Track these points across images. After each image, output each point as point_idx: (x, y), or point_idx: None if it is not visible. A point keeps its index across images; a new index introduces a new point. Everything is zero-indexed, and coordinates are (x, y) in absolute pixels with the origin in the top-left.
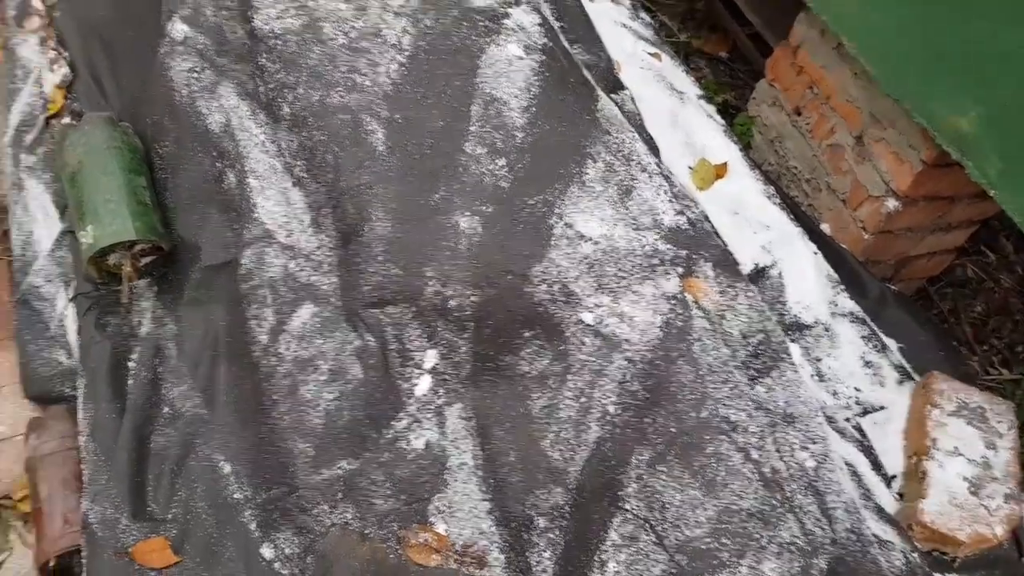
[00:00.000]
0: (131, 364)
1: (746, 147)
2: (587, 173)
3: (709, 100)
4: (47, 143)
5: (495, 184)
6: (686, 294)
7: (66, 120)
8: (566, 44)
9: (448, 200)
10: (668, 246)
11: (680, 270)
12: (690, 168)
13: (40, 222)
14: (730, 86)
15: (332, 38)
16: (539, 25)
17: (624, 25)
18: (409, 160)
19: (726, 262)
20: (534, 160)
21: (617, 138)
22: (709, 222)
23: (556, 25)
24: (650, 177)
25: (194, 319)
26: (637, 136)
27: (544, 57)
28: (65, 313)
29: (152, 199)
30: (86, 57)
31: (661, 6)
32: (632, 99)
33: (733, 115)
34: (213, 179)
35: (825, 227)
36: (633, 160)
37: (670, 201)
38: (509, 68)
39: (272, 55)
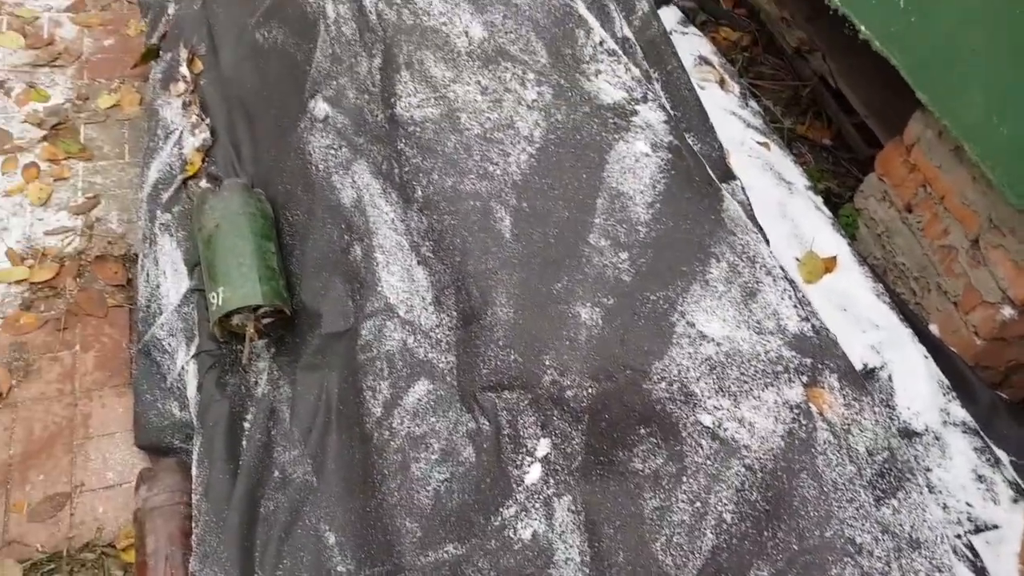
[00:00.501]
0: (246, 425)
1: (851, 238)
2: (710, 272)
3: (815, 189)
4: (183, 203)
5: (617, 277)
6: (810, 404)
7: (203, 183)
8: (690, 142)
9: (570, 290)
10: (792, 353)
11: (804, 379)
12: (798, 260)
13: (168, 277)
14: (833, 173)
15: (468, 128)
16: (665, 122)
17: (733, 113)
18: (534, 248)
19: (851, 374)
20: (657, 255)
21: (742, 239)
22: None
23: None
24: (774, 281)
25: (309, 383)
26: (761, 238)
27: (670, 155)
28: (185, 368)
29: (279, 264)
30: (227, 124)
31: (766, 91)
32: (743, 189)
33: (836, 203)
34: (340, 250)
35: (934, 328)
36: (757, 262)
37: (794, 307)
38: (636, 164)
39: (410, 141)
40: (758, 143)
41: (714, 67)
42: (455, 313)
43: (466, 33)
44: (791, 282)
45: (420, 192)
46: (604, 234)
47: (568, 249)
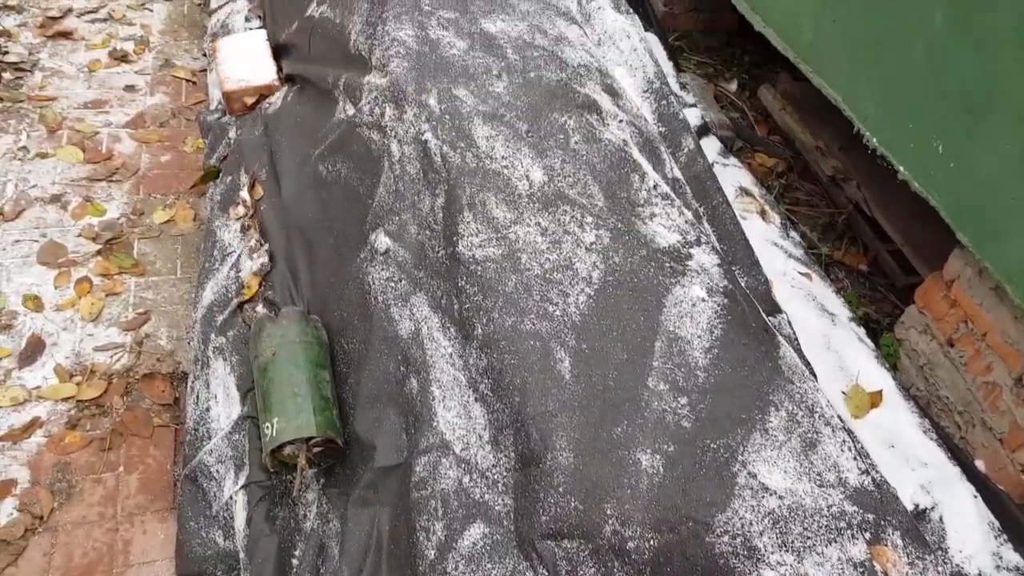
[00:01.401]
0: (295, 561)
1: (893, 368)
2: (770, 421)
3: (857, 320)
4: (238, 326)
5: (677, 423)
6: (874, 563)
7: (260, 308)
8: (737, 275)
9: (631, 435)
10: (854, 508)
11: (867, 535)
12: (844, 394)
13: (220, 402)
14: (870, 299)
15: (528, 268)
16: (718, 266)
17: (775, 244)
18: (594, 390)
19: (913, 531)
20: (716, 402)
21: (799, 387)
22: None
23: (711, 235)
24: (833, 432)
25: (360, 520)
26: (818, 386)
27: (726, 300)
28: (234, 498)
29: (332, 393)
30: (286, 250)
31: (802, 216)
32: (789, 322)
33: (873, 328)
34: (395, 382)
35: (980, 464)
36: (816, 412)
37: (854, 459)
38: (693, 309)
39: (472, 278)
40: (800, 273)
41: (755, 198)
42: (513, 454)
43: (527, 177)
44: (850, 432)
45: (480, 330)
46: (663, 378)
47: (627, 392)
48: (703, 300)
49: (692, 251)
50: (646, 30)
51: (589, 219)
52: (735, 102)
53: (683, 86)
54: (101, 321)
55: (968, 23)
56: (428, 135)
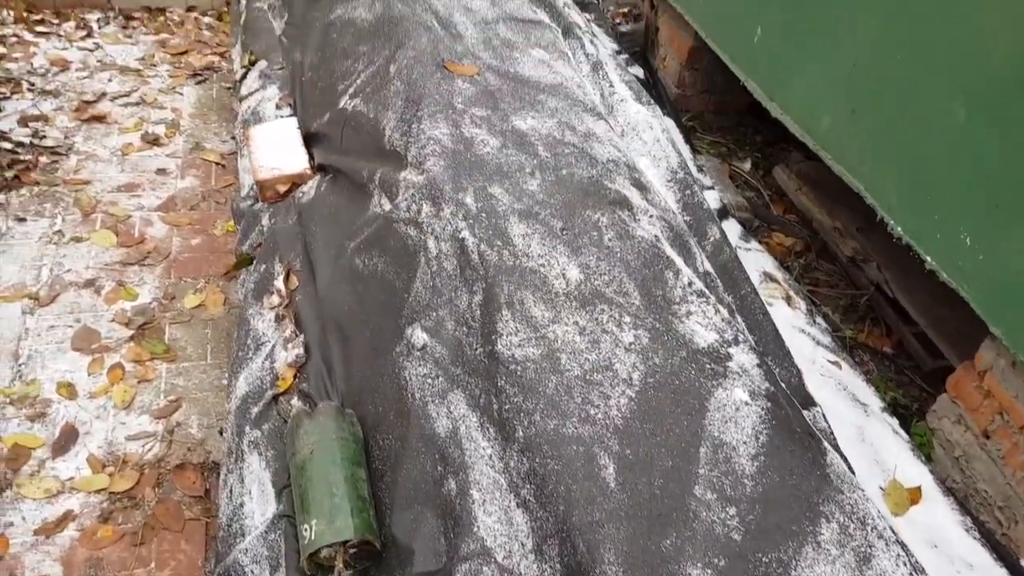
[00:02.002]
0: None
1: (927, 457)
2: (821, 533)
3: (890, 411)
4: (272, 419)
5: (727, 535)
6: None
7: (295, 401)
8: (785, 387)
9: (680, 548)
10: None
11: None
12: (881, 489)
13: (254, 498)
14: (896, 383)
15: (568, 369)
16: (758, 366)
17: (802, 331)
18: (639, 499)
19: None
20: (765, 513)
21: (850, 497)
22: None
23: (747, 333)
24: (887, 545)
25: None
26: (867, 495)
27: (769, 404)
28: None
29: (369, 492)
30: (320, 342)
31: (823, 297)
32: (824, 415)
33: (902, 414)
34: (433, 482)
35: None
36: (868, 524)
37: (911, 574)
38: (736, 413)
39: (511, 379)
40: (830, 362)
41: (780, 283)
42: (559, 566)
43: (563, 275)
44: (903, 546)
45: (521, 432)
46: (710, 486)
47: (674, 501)
48: (746, 404)
49: (731, 351)
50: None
51: (627, 318)
52: (750, 181)
53: (700, 168)
54: (133, 409)
55: (993, 119)
56: (465, 233)
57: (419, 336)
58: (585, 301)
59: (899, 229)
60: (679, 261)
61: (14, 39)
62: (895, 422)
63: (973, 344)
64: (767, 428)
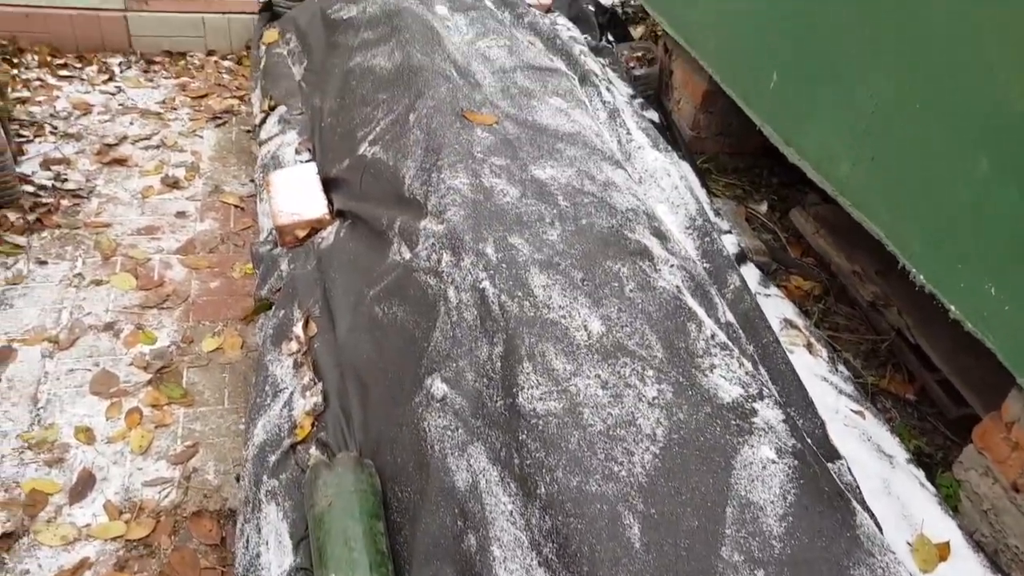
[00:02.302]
0: None
1: (953, 510)
2: None
3: (916, 462)
4: (290, 469)
5: None
6: None
7: (312, 450)
8: (810, 442)
9: None
10: None
11: None
12: (909, 544)
13: (271, 549)
14: (920, 430)
15: (591, 424)
16: (784, 422)
17: (824, 379)
18: (665, 560)
19: None
20: None
21: (881, 560)
22: None
23: (771, 386)
24: None
25: None
26: (898, 559)
27: (796, 462)
28: None
29: (387, 546)
30: (339, 390)
31: (844, 343)
32: (849, 469)
33: (927, 463)
34: (452, 537)
35: None
36: None
37: None
38: (763, 472)
39: (533, 433)
40: (853, 411)
41: (800, 330)
42: None
43: (585, 327)
44: None
45: (543, 489)
46: (737, 547)
47: (701, 563)
48: (773, 462)
49: (756, 406)
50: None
51: (650, 372)
52: (766, 224)
53: (717, 212)
54: (150, 454)
55: (1016, 169)
56: (486, 283)
57: (439, 387)
58: (607, 354)
59: (921, 277)
60: (701, 312)
61: (38, 83)
62: (921, 474)
63: (999, 393)
64: (795, 487)
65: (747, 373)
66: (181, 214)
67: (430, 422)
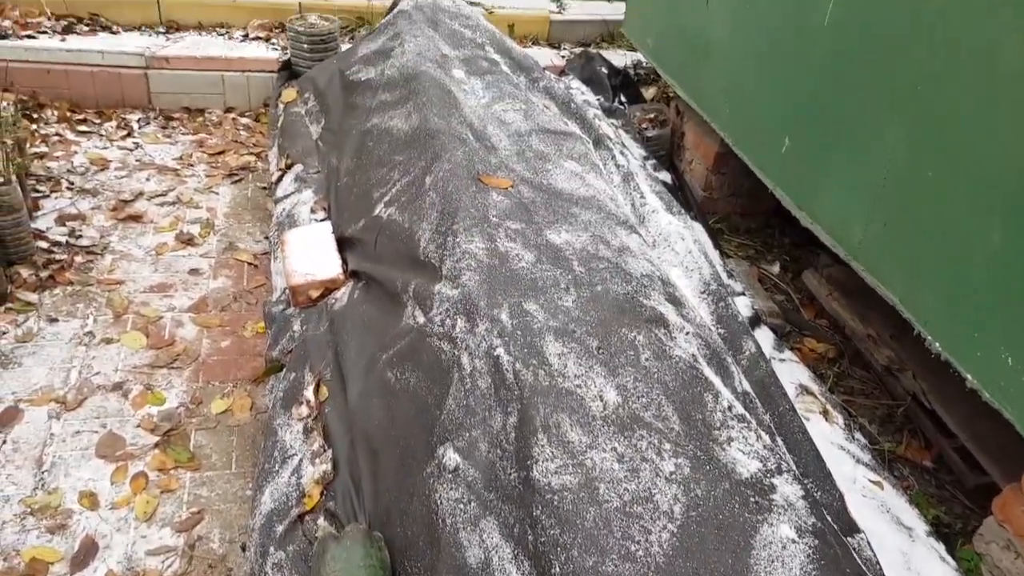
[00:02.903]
0: None
1: None
2: None
3: (936, 535)
4: (298, 540)
5: None
6: None
7: (321, 520)
8: (829, 518)
9: None
10: None
11: None
12: None
13: None
14: (938, 499)
15: (607, 500)
16: (803, 498)
17: (841, 447)
18: None
19: None
20: None
21: None
22: None
23: (789, 460)
24: None
25: None
26: None
27: (817, 541)
28: None
29: None
30: (349, 457)
31: (859, 407)
32: (868, 543)
33: (946, 532)
34: None
35: None
36: None
37: None
38: (783, 552)
39: (547, 509)
40: (871, 481)
41: (816, 396)
42: None
43: (600, 397)
44: None
45: (558, 568)
46: None
47: None
48: (793, 542)
49: (775, 481)
50: (688, 215)
51: (667, 445)
52: (779, 285)
53: (730, 273)
54: (155, 521)
55: None
56: (500, 351)
57: (451, 457)
58: (623, 426)
59: (937, 345)
60: (717, 382)
61: (56, 138)
62: (941, 547)
63: (1018, 462)
64: (816, 569)
65: (765, 446)
66: (194, 271)
67: (442, 494)
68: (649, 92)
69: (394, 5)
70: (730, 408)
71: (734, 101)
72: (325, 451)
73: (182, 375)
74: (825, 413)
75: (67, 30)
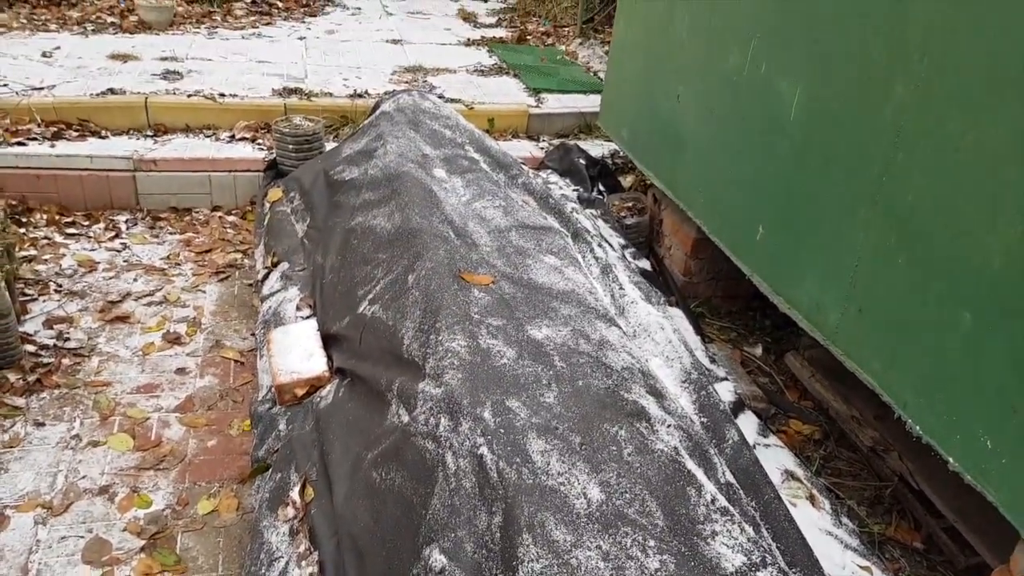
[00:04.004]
0: None
1: None
2: None
3: None
4: None
5: None
6: None
7: None
8: None
9: None
10: None
11: None
12: None
13: None
14: None
15: None
16: None
17: (829, 533)
18: None
19: None
20: None
21: None
22: None
23: (775, 551)
24: None
25: None
26: None
27: None
28: None
29: None
30: (335, 560)
31: (846, 489)
32: None
33: None
34: None
35: None
36: None
37: None
38: None
39: None
40: (860, 567)
41: (802, 482)
42: None
43: (584, 495)
44: None
45: None
46: None
47: None
48: None
49: (760, 575)
50: (668, 300)
51: (651, 542)
52: (762, 367)
53: (713, 358)
54: None
55: (999, 327)
56: (484, 449)
57: (437, 559)
58: (608, 523)
59: (917, 428)
60: (700, 474)
61: (45, 241)
62: None
63: (1008, 542)
64: None
65: (749, 539)
66: (181, 371)
67: None
68: (627, 180)
69: (376, 106)
70: (713, 501)
71: (708, 191)
72: (311, 553)
73: (168, 476)
74: (812, 498)
75: (56, 136)
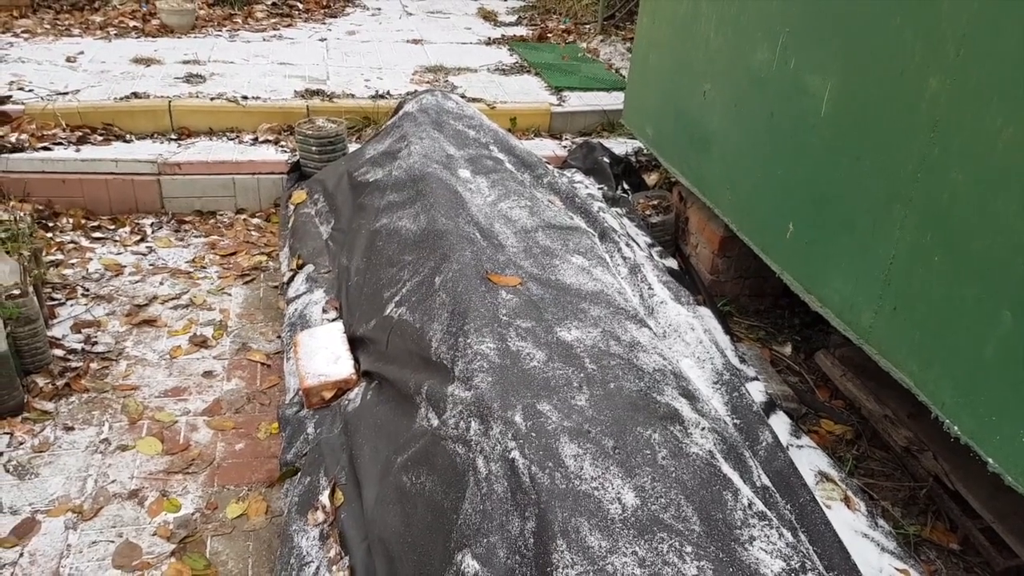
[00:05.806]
0: None
1: None
2: None
3: None
4: None
5: None
6: None
7: None
8: None
9: None
10: None
11: None
12: None
13: None
14: None
15: None
16: None
17: (865, 535)
18: None
19: None
20: None
21: None
22: None
23: (814, 556)
24: None
25: None
26: None
27: None
28: None
29: None
30: (366, 565)
31: (881, 490)
32: None
33: None
34: None
35: None
36: None
37: None
38: None
39: None
40: (897, 570)
41: (836, 483)
42: None
43: (619, 499)
44: None
45: None
46: None
47: None
48: None
49: None
50: (695, 299)
51: (688, 548)
52: (792, 366)
53: (743, 358)
54: None
55: None
56: (515, 453)
57: (469, 564)
58: (643, 528)
59: (956, 429)
60: (736, 478)
61: (71, 246)
62: None
63: None
64: None
65: (788, 544)
66: (208, 374)
67: None
68: (651, 178)
69: (399, 107)
70: (750, 505)
71: (736, 188)
72: (342, 558)
73: (197, 480)
74: (847, 500)
75: (81, 141)
